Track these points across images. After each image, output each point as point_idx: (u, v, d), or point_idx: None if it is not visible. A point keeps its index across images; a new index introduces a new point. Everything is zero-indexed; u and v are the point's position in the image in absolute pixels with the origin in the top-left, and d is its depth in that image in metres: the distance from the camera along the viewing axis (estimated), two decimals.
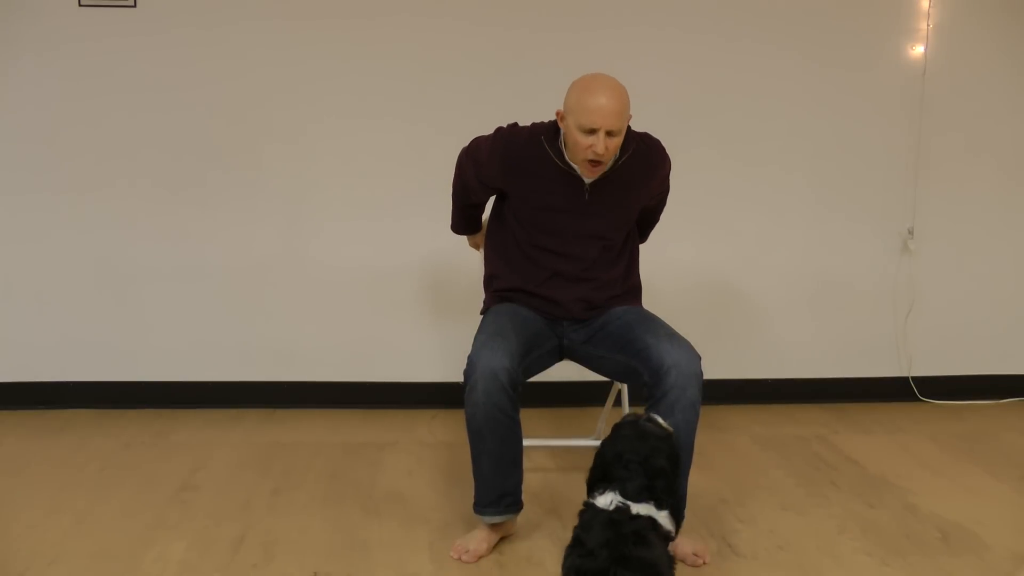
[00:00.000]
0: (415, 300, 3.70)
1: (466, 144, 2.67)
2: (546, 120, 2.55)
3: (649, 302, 2.72)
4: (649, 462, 1.96)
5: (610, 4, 3.59)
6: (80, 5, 3.44)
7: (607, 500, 1.93)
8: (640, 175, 2.52)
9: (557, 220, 2.52)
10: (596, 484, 2.00)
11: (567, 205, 2.50)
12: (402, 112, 3.59)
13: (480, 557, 2.42)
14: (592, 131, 2.34)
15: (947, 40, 3.72)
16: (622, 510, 1.91)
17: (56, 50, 3.46)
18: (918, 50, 3.73)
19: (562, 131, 2.45)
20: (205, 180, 3.58)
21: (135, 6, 3.47)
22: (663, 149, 2.60)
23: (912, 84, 3.74)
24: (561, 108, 2.43)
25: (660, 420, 2.11)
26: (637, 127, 2.52)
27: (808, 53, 3.68)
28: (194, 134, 3.56)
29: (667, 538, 1.95)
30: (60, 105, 3.50)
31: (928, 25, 3.71)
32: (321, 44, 3.54)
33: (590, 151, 2.36)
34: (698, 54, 3.64)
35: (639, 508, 1.92)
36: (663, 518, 1.95)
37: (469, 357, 2.36)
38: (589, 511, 1.95)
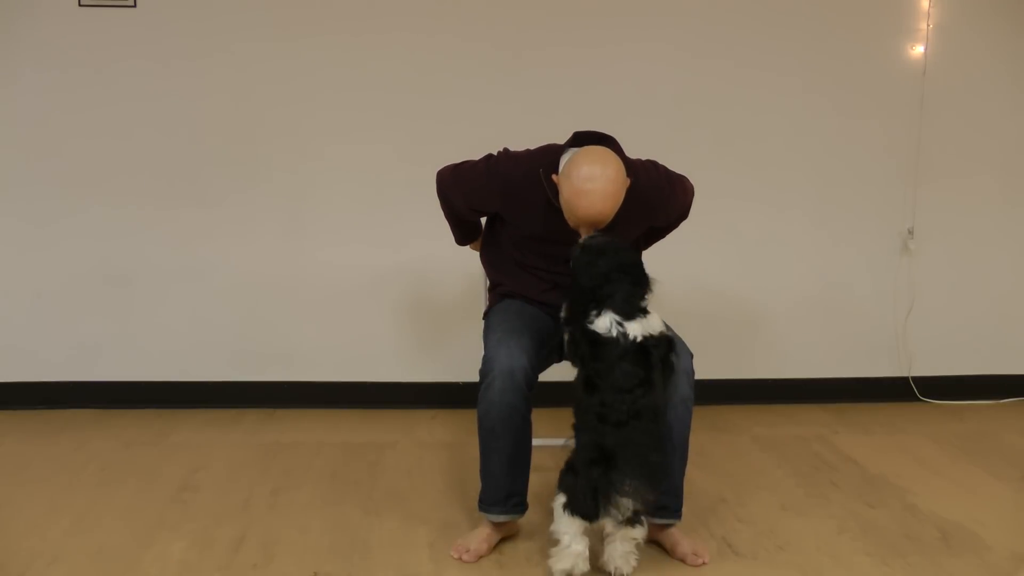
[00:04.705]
0: (415, 300, 3.70)
1: (444, 166, 2.62)
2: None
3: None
4: (636, 270, 2.11)
5: (610, 4, 3.59)
6: (80, 5, 3.44)
7: (606, 323, 2.02)
8: (636, 213, 2.43)
9: (553, 248, 2.51)
10: (584, 310, 2.08)
11: (562, 237, 2.44)
12: (402, 110, 3.59)
13: (481, 557, 2.41)
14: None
15: (947, 40, 3.72)
16: (644, 340, 2.07)
17: (56, 50, 3.46)
18: (918, 50, 3.73)
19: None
20: (205, 180, 3.59)
21: (135, 6, 3.47)
22: (664, 190, 2.49)
23: (912, 84, 3.74)
24: (556, 175, 2.33)
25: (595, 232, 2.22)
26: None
27: (808, 53, 3.69)
28: (194, 134, 3.56)
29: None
30: (59, 105, 3.50)
31: (928, 25, 3.71)
32: (321, 44, 3.54)
33: (577, 230, 2.34)
34: (697, 53, 3.64)
35: (634, 328, 2.07)
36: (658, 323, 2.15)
37: (485, 355, 2.35)
38: (589, 336, 2.07)
